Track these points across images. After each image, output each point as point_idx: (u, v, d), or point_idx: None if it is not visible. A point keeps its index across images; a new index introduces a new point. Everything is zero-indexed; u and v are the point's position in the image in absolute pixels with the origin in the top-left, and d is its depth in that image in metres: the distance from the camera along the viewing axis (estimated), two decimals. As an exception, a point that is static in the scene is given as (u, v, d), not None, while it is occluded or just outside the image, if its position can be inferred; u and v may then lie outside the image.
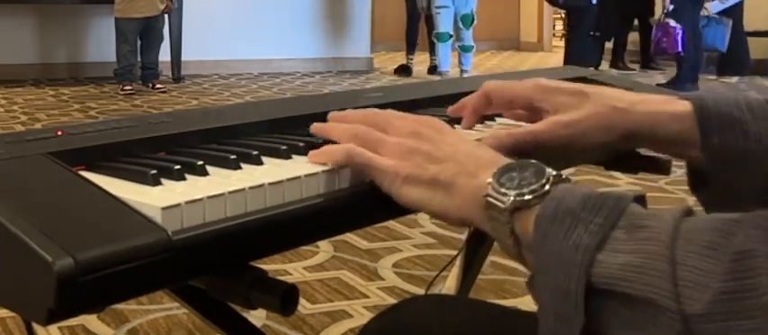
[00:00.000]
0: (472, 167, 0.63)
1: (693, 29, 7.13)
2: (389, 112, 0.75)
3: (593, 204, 0.53)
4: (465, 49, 7.93)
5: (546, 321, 0.54)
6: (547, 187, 0.57)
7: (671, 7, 7.22)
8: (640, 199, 0.55)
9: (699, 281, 0.47)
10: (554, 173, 0.58)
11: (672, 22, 7.28)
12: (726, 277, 0.46)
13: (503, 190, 0.58)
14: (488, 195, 0.59)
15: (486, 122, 0.92)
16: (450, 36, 7.93)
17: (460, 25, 7.80)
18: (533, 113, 0.82)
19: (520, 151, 0.75)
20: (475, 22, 7.84)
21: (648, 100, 0.78)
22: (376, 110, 0.76)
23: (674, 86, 6.79)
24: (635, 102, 0.77)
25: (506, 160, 0.62)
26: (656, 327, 0.48)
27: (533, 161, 0.60)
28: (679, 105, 0.76)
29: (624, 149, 0.82)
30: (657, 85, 7.07)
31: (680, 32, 7.20)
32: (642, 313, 0.49)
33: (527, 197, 0.57)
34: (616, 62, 8.95)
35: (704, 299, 0.46)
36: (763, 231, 0.47)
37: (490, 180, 0.59)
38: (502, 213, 0.58)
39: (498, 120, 0.94)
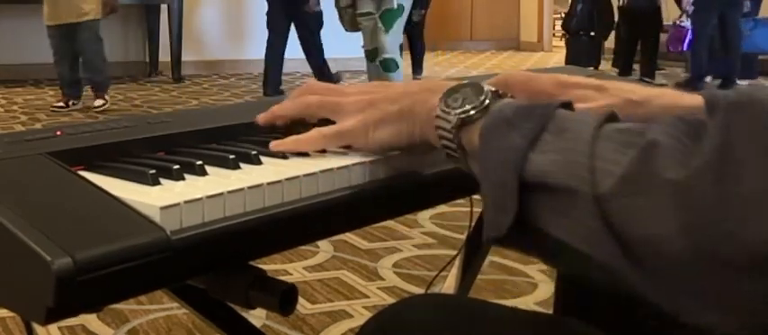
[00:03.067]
0: (426, 95, 0.70)
1: (707, 32, 7.12)
2: (326, 84, 0.82)
3: (524, 112, 0.60)
4: (385, 67, 5.37)
5: (488, 213, 0.60)
6: (486, 102, 0.64)
7: (690, 9, 7.24)
8: (567, 104, 0.61)
9: (609, 169, 0.53)
10: (492, 89, 0.65)
11: (683, 23, 7.31)
12: (630, 163, 0.52)
13: (448, 109, 0.65)
14: (437, 115, 0.66)
15: None
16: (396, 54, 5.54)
17: (380, 25, 5.39)
18: None
19: None
20: (399, 20, 5.42)
21: (663, 94, 0.81)
22: (315, 83, 0.83)
23: (688, 85, 6.84)
24: (651, 96, 0.81)
25: (453, 83, 0.68)
26: (575, 209, 0.54)
27: (474, 82, 0.67)
28: (692, 100, 0.79)
29: None
30: (676, 84, 7.11)
31: (688, 32, 7.22)
32: (565, 200, 0.55)
33: (471, 113, 0.64)
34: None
35: (610, 182, 0.52)
36: (666, 126, 0.53)
37: (437, 102, 0.66)
38: (449, 131, 0.65)
39: None
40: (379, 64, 5.52)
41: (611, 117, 0.58)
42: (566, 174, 0.55)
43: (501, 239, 0.59)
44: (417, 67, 8.49)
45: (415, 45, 8.50)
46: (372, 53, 5.48)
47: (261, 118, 0.81)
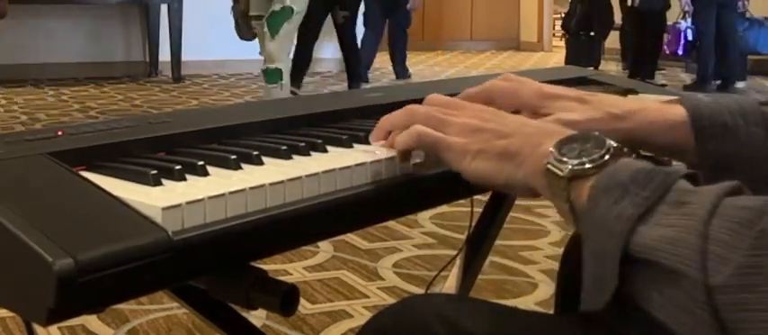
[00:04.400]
0: (537, 139, 0.66)
1: (712, 31, 7.12)
2: (449, 98, 0.78)
3: (643, 178, 0.56)
4: (267, 77, 4.92)
5: (586, 282, 0.57)
6: (606, 158, 0.60)
7: (689, 8, 7.24)
8: (691, 176, 0.57)
9: (724, 255, 0.49)
10: (615, 145, 0.61)
11: (680, 24, 7.31)
12: (747, 253, 0.48)
13: (563, 159, 0.61)
14: (549, 163, 0.62)
15: None
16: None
17: (265, 29, 4.88)
18: (537, 118, 0.84)
19: None
20: (287, 24, 4.86)
21: (645, 109, 0.81)
22: (435, 95, 0.78)
23: (695, 88, 6.86)
24: (632, 111, 0.80)
25: (571, 132, 0.65)
26: (680, 293, 0.50)
27: (595, 134, 0.62)
28: (674, 114, 0.79)
29: None
30: (684, 87, 7.11)
31: (684, 34, 7.22)
32: (670, 282, 0.51)
33: (587, 166, 0.60)
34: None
35: (726, 272, 0.48)
36: None
37: (552, 149, 0.62)
38: (560, 181, 0.61)
39: None
40: (260, 73, 4.97)
41: (736, 190, 0.54)
42: (674, 254, 0.51)
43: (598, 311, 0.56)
44: (353, 80, 7.11)
45: (347, 53, 7.18)
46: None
47: (373, 137, 0.78)
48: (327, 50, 8.68)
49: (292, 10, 4.79)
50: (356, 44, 7.15)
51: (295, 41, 5.42)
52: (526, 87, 0.85)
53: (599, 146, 0.61)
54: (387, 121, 0.77)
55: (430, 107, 0.75)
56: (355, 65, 7.15)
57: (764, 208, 0.50)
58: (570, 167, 0.60)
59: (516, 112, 0.88)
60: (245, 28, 5.11)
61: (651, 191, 0.55)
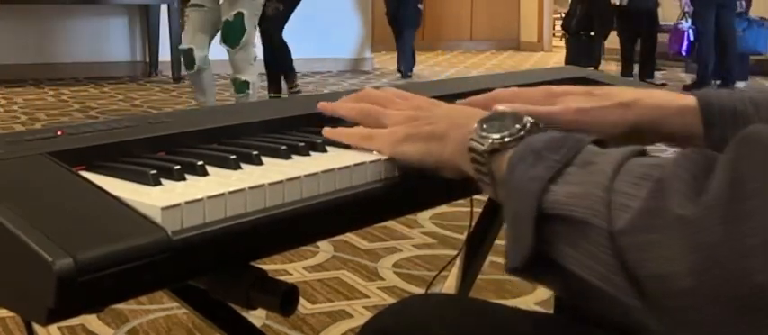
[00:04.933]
0: (463, 120, 0.70)
1: (712, 31, 7.12)
2: (393, 90, 0.84)
3: (554, 144, 0.60)
4: (238, 88, 4.65)
5: (507, 242, 0.60)
6: (522, 133, 0.63)
7: (688, 9, 7.24)
8: (599, 142, 0.60)
9: (624, 203, 0.53)
10: (531, 120, 0.65)
11: (682, 24, 7.31)
12: (645, 199, 0.52)
13: (484, 135, 0.65)
14: (472, 139, 0.66)
15: None
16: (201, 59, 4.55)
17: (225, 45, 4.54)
18: None
19: None
20: (246, 36, 4.53)
21: (653, 96, 0.81)
22: (372, 91, 0.85)
23: (695, 87, 6.86)
24: (640, 97, 0.81)
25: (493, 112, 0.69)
26: (588, 243, 0.54)
27: (513, 112, 0.66)
28: (683, 100, 0.80)
29: (635, 144, 0.84)
30: (684, 87, 7.12)
31: (687, 35, 7.22)
32: (579, 232, 0.55)
33: (506, 140, 0.63)
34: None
35: (626, 217, 0.52)
36: (683, 160, 0.53)
37: (475, 126, 0.66)
38: (481, 155, 0.65)
39: None
40: (230, 82, 4.66)
41: (640, 152, 0.57)
42: (582, 206, 0.55)
43: (520, 271, 0.59)
44: (272, 83, 6.32)
45: (269, 51, 6.29)
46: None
47: (325, 107, 0.86)
48: (326, 50, 8.68)
49: (242, 15, 4.46)
50: (283, 43, 6.29)
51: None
52: (530, 90, 0.87)
53: (517, 121, 0.64)
54: (340, 108, 0.84)
55: (368, 106, 0.81)
56: (278, 66, 6.32)
57: (662, 162, 0.54)
58: (490, 140, 0.64)
59: None
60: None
61: (562, 155, 0.58)
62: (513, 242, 0.59)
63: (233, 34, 4.51)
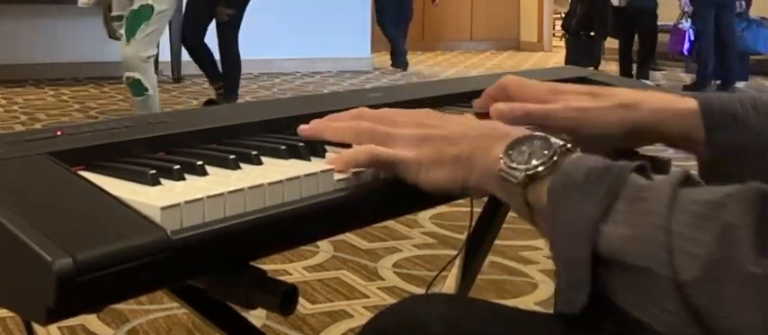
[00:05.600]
0: (486, 142, 0.67)
1: (712, 31, 7.12)
2: (382, 110, 0.77)
3: (596, 177, 0.57)
4: (131, 89, 4.29)
5: (560, 285, 0.58)
6: (555, 158, 0.61)
7: (688, 9, 7.24)
8: (642, 168, 0.58)
9: (689, 250, 0.51)
10: (560, 143, 0.62)
11: (682, 24, 7.32)
12: (712, 249, 0.50)
13: (513, 164, 0.63)
14: (501, 170, 0.63)
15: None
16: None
17: (122, 31, 4.26)
18: None
19: (530, 125, 0.78)
20: (146, 25, 4.14)
21: (654, 98, 0.81)
22: (367, 110, 0.78)
23: (695, 87, 6.87)
24: (641, 99, 0.81)
25: (516, 134, 0.65)
26: (654, 291, 0.52)
27: (541, 134, 0.64)
28: (684, 103, 0.79)
29: (632, 147, 0.84)
30: (684, 87, 7.12)
31: (687, 35, 7.22)
32: (642, 280, 0.53)
33: (539, 170, 0.61)
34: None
35: (693, 266, 0.50)
36: (747, 204, 0.51)
37: (502, 156, 0.64)
38: (515, 187, 0.62)
39: None
40: (125, 84, 4.24)
41: (686, 179, 0.56)
42: (642, 253, 0.53)
43: (576, 315, 0.57)
44: (230, 89, 5.99)
45: (225, 58, 6.00)
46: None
47: (305, 131, 0.77)
48: (326, 50, 8.69)
49: (152, 9, 4.08)
50: (237, 49, 5.96)
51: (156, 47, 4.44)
52: (537, 84, 0.87)
53: (547, 146, 0.62)
54: (330, 131, 0.75)
55: (370, 124, 0.73)
56: (232, 74, 6.00)
57: (721, 200, 0.52)
58: (523, 173, 0.62)
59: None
60: (110, 27, 4.51)
61: (606, 189, 0.56)
62: (568, 288, 0.57)
63: (133, 24, 4.09)
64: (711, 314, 0.50)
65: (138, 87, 4.18)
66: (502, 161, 0.63)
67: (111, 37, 4.67)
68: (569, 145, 0.62)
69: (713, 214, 0.51)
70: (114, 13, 4.31)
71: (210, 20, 5.87)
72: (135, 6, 4.11)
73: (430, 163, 0.69)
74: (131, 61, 4.14)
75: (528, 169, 0.61)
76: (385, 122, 0.74)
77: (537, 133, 0.64)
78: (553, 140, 0.62)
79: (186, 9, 5.86)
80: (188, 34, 5.90)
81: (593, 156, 0.61)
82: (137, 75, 4.15)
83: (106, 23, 4.59)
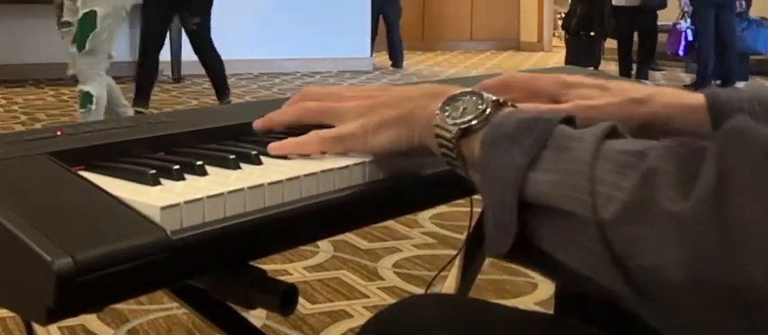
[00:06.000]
0: (425, 101, 0.69)
1: (712, 31, 7.12)
2: (327, 87, 0.80)
3: (525, 126, 0.59)
4: (79, 101, 4.23)
5: (489, 229, 0.60)
6: (487, 112, 0.63)
7: (688, 9, 7.25)
8: (569, 120, 0.60)
9: (610, 193, 0.52)
10: (493, 98, 0.64)
11: (680, 24, 7.32)
12: (631, 190, 0.51)
13: (448, 119, 0.64)
14: (436, 125, 0.65)
15: None
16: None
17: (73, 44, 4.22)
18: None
19: None
20: (94, 34, 4.05)
21: (663, 93, 0.82)
22: (313, 89, 0.81)
23: (695, 87, 6.87)
24: (651, 94, 0.81)
25: (453, 91, 0.67)
26: (576, 233, 0.54)
27: (475, 90, 0.65)
28: (693, 99, 0.80)
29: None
30: (684, 86, 7.14)
31: (684, 35, 7.23)
32: (565, 223, 0.55)
33: (473, 123, 0.63)
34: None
35: (613, 209, 0.52)
36: (669, 151, 0.52)
37: (437, 111, 0.65)
38: (449, 141, 0.64)
39: None
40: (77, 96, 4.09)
41: (612, 132, 0.58)
42: (566, 197, 0.55)
43: (503, 256, 0.59)
44: (222, 92, 5.85)
45: (207, 66, 5.86)
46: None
47: (258, 124, 0.80)
48: (326, 50, 8.69)
49: (95, 14, 3.94)
50: (215, 53, 5.79)
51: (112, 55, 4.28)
52: (544, 77, 0.87)
53: (478, 101, 0.64)
54: (279, 115, 0.79)
55: (316, 102, 0.77)
56: (220, 76, 5.86)
57: (644, 149, 0.53)
58: (455, 125, 0.63)
59: (533, 99, 0.89)
60: (64, 32, 4.41)
61: (535, 138, 0.58)
62: (496, 229, 0.59)
63: (80, 34, 4.01)
64: (629, 253, 0.51)
65: (83, 99, 4.11)
66: (437, 116, 0.65)
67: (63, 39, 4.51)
68: (501, 99, 0.64)
69: (636, 161, 0.53)
70: (64, 19, 4.24)
71: (168, 26, 5.84)
72: (80, 15, 4.02)
73: (375, 128, 0.71)
74: (83, 73, 4.07)
75: (462, 123, 0.63)
76: (331, 99, 0.76)
77: (471, 89, 0.66)
78: (486, 95, 0.64)
79: (143, 17, 5.67)
80: (203, 46, 5.78)
81: (524, 108, 0.63)
82: (86, 87, 4.08)
83: (58, 26, 4.48)
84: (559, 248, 0.56)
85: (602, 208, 0.52)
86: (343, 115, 0.74)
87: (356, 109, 0.73)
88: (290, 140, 0.74)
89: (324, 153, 0.73)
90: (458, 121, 0.64)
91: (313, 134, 0.74)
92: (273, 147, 0.74)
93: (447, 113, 0.65)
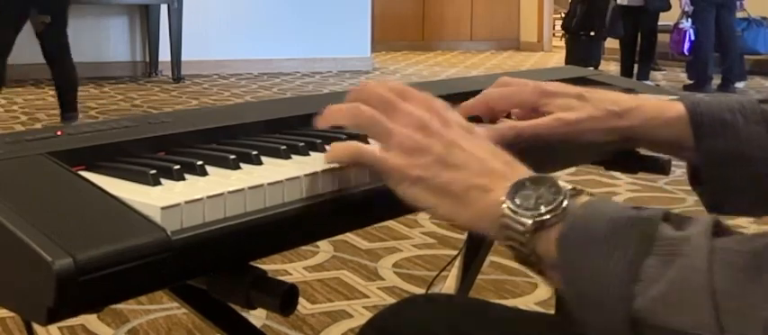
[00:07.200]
0: (485, 181, 0.60)
1: (711, 31, 7.12)
2: (397, 87, 0.69)
3: (622, 229, 0.52)
4: None
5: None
6: (564, 204, 0.56)
7: (688, 9, 7.24)
8: (667, 216, 0.54)
9: (744, 311, 0.45)
10: (569, 187, 0.57)
11: (683, 24, 7.32)
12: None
13: (520, 212, 0.57)
14: (505, 216, 0.57)
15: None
16: None
17: None
18: (537, 115, 0.85)
19: (521, 144, 0.77)
20: None
21: (644, 105, 0.81)
22: (386, 84, 0.70)
23: (695, 88, 6.88)
24: (631, 107, 0.80)
25: (519, 173, 0.60)
26: None
27: (547, 176, 0.58)
28: (673, 111, 0.79)
29: (624, 149, 0.85)
30: (684, 86, 7.13)
31: (688, 34, 7.23)
32: None
33: (546, 217, 0.56)
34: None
35: (748, 326, 0.45)
36: None
37: (505, 200, 0.58)
38: (522, 235, 0.56)
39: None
40: None
41: (716, 225, 0.52)
42: (683, 316, 0.48)
43: None
44: (68, 108, 5.28)
45: (56, 70, 5.35)
46: None
47: (319, 122, 0.70)
48: (326, 50, 8.69)
49: None
50: (66, 59, 5.26)
51: None
52: (525, 87, 0.85)
53: (554, 190, 0.57)
54: (334, 113, 0.69)
55: (370, 110, 0.67)
56: (66, 88, 5.31)
57: (760, 250, 0.47)
58: (530, 221, 0.56)
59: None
60: None
61: (635, 244, 0.51)
62: None
63: None
64: None
65: None
66: (505, 207, 0.57)
67: None
68: (578, 187, 0.57)
69: (756, 265, 0.46)
70: None
71: (22, 24, 5.14)
72: None
73: (416, 179, 0.63)
74: None
75: (536, 216, 0.56)
76: (387, 109, 0.67)
77: (543, 176, 0.59)
78: (561, 183, 0.57)
79: None
80: (54, 50, 5.18)
81: (608, 201, 0.56)
82: None
83: None
84: None
85: (730, 327, 0.46)
86: (390, 140, 0.65)
87: (406, 141, 0.64)
88: (334, 145, 0.69)
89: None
90: (530, 212, 0.56)
91: (352, 145, 0.67)
92: (329, 155, 0.68)
93: (517, 205, 0.57)
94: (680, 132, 0.78)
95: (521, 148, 0.71)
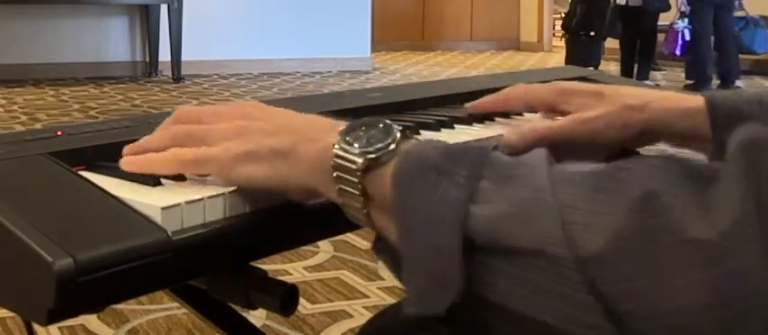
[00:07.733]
0: (312, 133, 0.59)
1: (709, 31, 7.13)
2: (206, 107, 0.67)
3: (455, 157, 0.50)
4: None
5: (416, 284, 0.51)
6: (398, 138, 0.54)
7: (685, 9, 7.25)
8: (497, 148, 0.52)
9: (593, 222, 0.43)
10: (401, 128, 0.55)
11: (677, 24, 7.32)
12: (625, 217, 0.42)
13: (350, 151, 0.54)
14: (337, 156, 0.55)
15: (486, 121, 0.92)
16: None
17: None
18: (555, 115, 0.86)
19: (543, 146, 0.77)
20: None
21: (662, 97, 0.81)
22: (186, 109, 0.68)
23: (695, 88, 6.89)
24: (649, 100, 0.80)
25: (347, 122, 0.58)
26: (549, 279, 0.44)
27: (379, 118, 0.56)
28: (691, 102, 0.80)
29: (643, 145, 0.85)
30: (684, 87, 7.14)
31: (681, 35, 7.22)
32: (530, 265, 0.44)
33: (379, 154, 0.53)
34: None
35: (599, 240, 0.42)
36: (661, 171, 0.44)
37: (336, 141, 0.55)
38: (352, 174, 0.54)
39: (498, 119, 0.94)
40: None
41: (550, 157, 0.50)
42: (526, 231, 0.45)
43: (437, 316, 0.49)
44: None
45: None
46: None
47: (126, 153, 0.66)
48: (326, 50, 8.69)
49: None
50: None
51: None
52: (541, 86, 0.86)
53: (386, 130, 0.55)
54: (149, 141, 0.66)
55: (185, 127, 0.65)
56: None
57: (613, 173, 0.45)
58: (361, 156, 0.53)
59: (533, 110, 0.89)
60: None
61: (469, 169, 0.48)
62: (429, 283, 0.49)
63: None
64: (628, 295, 0.41)
65: None
66: (337, 147, 0.55)
67: None
68: (408, 130, 0.56)
69: (611, 186, 0.44)
70: None
71: None
72: None
73: (244, 155, 0.60)
74: None
75: (368, 153, 0.53)
76: (208, 119, 0.64)
77: (374, 118, 0.56)
78: (394, 125, 0.55)
79: None
80: None
81: (440, 141, 0.54)
82: None
83: None
84: (523, 300, 0.45)
85: (581, 241, 0.43)
86: (211, 139, 0.62)
87: (226, 131, 0.62)
88: (145, 156, 0.64)
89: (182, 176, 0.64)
90: (362, 150, 0.54)
91: (171, 153, 0.63)
92: (126, 161, 0.64)
93: (348, 144, 0.55)
94: (698, 123, 0.78)
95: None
